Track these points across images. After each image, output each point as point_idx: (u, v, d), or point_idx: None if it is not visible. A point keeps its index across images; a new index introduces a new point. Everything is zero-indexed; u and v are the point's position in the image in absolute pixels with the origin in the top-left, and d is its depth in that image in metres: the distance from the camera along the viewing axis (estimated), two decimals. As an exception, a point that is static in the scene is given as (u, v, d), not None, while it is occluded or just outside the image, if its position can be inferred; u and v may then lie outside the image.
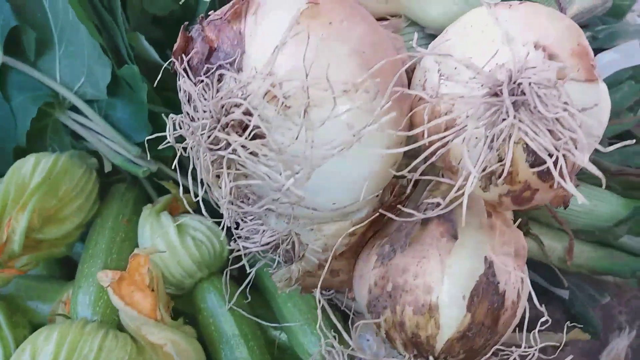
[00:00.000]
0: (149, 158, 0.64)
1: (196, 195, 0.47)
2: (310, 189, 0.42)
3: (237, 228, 0.57)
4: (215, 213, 0.70)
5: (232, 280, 0.66)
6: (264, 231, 0.55)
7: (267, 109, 0.40)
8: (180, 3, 0.71)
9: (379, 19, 0.52)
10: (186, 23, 0.47)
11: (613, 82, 0.70)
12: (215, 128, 0.42)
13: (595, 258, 0.65)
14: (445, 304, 0.42)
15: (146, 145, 0.70)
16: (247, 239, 0.57)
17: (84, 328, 0.55)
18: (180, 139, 0.46)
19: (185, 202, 0.51)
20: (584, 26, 0.80)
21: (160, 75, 0.51)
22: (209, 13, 0.48)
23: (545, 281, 0.70)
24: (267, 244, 0.55)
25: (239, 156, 0.40)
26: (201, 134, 0.42)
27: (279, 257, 0.54)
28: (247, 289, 0.64)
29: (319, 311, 0.45)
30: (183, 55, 0.46)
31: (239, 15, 0.43)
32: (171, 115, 0.45)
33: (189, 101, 0.46)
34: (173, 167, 0.49)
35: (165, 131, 0.70)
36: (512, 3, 0.41)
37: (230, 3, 0.45)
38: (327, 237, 0.46)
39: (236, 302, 0.64)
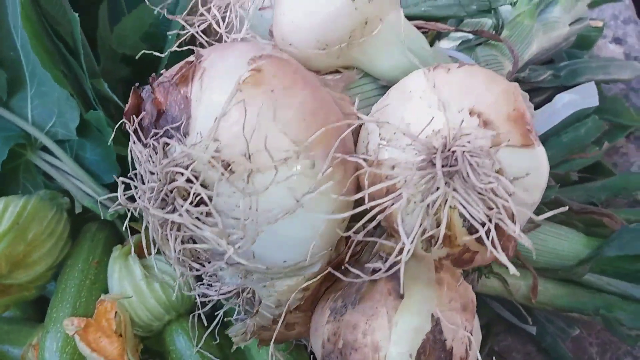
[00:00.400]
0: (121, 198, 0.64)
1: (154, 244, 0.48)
2: (260, 248, 0.43)
3: (198, 278, 0.58)
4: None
5: (201, 321, 0.66)
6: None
7: (212, 174, 0.41)
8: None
9: (332, 72, 0.52)
10: (137, 84, 0.48)
11: (578, 117, 0.71)
12: (162, 192, 0.43)
13: (559, 296, 0.66)
14: (393, 362, 0.42)
15: (118, 185, 0.72)
16: (209, 286, 0.58)
17: (50, 377, 0.56)
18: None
19: (144, 248, 0.51)
20: (548, 62, 0.80)
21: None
22: (161, 72, 0.49)
23: (514, 316, 0.71)
24: (229, 291, 0.56)
25: (184, 221, 0.41)
26: (149, 197, 0.43)
27: (240, 306, 0.55)
28: (216, 330, 0.65)
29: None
30: (134, 116, 0.47)
31: (186, 79, 0.44)
32: (120, 177, 0.46)
33: (138, 161, 0.47)
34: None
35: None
36: (450, 66, 0.42)
37: (179, 66, 0.45)
38: (279, 294, 0.47)
39: (205, 343, 0.65)
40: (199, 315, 0.66)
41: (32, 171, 0.77)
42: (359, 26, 0.48)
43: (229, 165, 0.41)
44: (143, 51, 0.75)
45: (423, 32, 0.57)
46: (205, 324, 0.64)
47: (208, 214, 0.41)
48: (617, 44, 0.97)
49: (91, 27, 0.77)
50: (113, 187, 0.72)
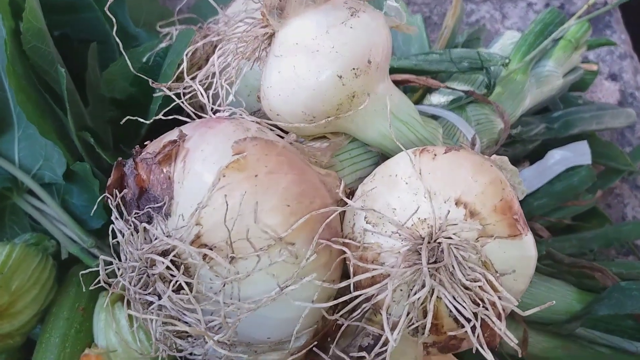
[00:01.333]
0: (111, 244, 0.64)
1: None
2: (243, 327, 0.42)
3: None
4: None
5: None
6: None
7: (193, 259, 0.40)
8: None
9: (321, 137, 0.52)
10: (120, 159, 0.47)
11: (572, 167, 0.71)
12: (143, 272, 0.42)
13: (550, 349, 0.65)
14: None
15: (104, 232, 0.71)
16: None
17: None
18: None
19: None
20: (545, 109, 0.80)
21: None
22: (145, 143, 0.48)
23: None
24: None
25: (166, 305, 0.41)
26: (129, 277, 0.42)
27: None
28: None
29: None
30: (117, 190, 0.46)
31: (169, 158, 0.43)
32: (101, 256, 0.45)
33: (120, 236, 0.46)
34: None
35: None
36: (437, 152, 0.41)
37: (162, 143, 0.45)
38: (263, 368, 0.46)
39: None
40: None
41: (19, 214, 0.76)
42: (346, 100, 0.48)
43: (212, 250, 0.40)
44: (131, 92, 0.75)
45: (413, 86, 0.56)
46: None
47: (188, 298, 0.41)
48: (612, 81, 0.97)
49: (81, 68, 0.76)
50: (99, 233, 0.71)
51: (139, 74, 0.74)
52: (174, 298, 0.40)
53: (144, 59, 0.71)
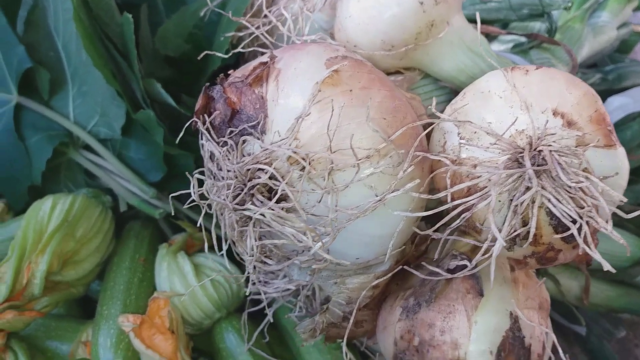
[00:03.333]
0: (170, 199, 0.64)
1: (219, 245, 0.48)
2: (335, 245, 0.43)
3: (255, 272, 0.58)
4: (230, 252, 0.71)
5: (249, 319, 0.66)
6: (284, 276, 0.56)
7: (292, 172, 0.41)
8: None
9: (394, 73, 0.53)
10: (207, 84, 0.48)
11: (623, 121, 0.71)
12: (240, 189, 0.43)
13: (612, 297, 0.66)
14: (473, 359, 0.42)
15: (163, 183, 0.72)
16: (265, 284, 0.58)
17: (109, 374, 0.56)
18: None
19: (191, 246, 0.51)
20: (593, 65, 0.81)
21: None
22: (229, 72, 0.49)
23: (562, 317, 0.71)
24: (287, 289, 0.56)
25: (265, 217, 0.41)
26: (226, 194, 0.43)
27: (300, 303, 0.55)
28: (265, 329, 0.65)
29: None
30: (205, 115, 0.47)
31: (260, 79, 0.44)
32: (195, 174, 0.46)
33: (211, 159, 0.47)
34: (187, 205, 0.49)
35: (178, 171, 0.72)
36: (528, 68, 0.42)
37: (251, 66, 0.45)
38: (350, 290, 0.47)
39: (255, 341, 0.64)
40: (247, 313, 0.66)
41: (74, 170, 0.77)
42: (425, 28, 0.48)
43: (309, 164, 0.41)
44: (185, 50, 0.76)
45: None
46: (246, 324, 0.64)
47: (288, 211, 0.41)
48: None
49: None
50: (158, 186, 0.72)
51: (192, 32, 0.76)
52: (276, 208, 0.40)
53: (201, 14, 0.71)
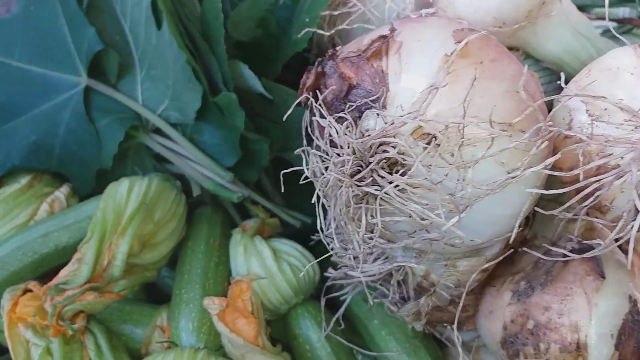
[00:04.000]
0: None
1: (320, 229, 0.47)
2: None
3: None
4: (299, 237, 0.70)
5: (317, 305, 0.66)
6: (375, 260, 0.55)
7: (416, 147, 0.40)
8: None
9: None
10: (319, 59, 0.47)
11: None
12: (358, 165, 0.42)
13: None
14: (594, 342, 0.41)
15: (236, 168, 0.71)
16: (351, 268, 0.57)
17: (196, 356, 0.55)
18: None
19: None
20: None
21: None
22: (337, 49, 0.48)
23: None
24: (374, 274, 0.55)
25: (388, 194, 0.40)
26: (343, 171, 0.42)
27: (392, 289, 0.54)
28: (341, 316, 0.64)
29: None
30: (317, 90, 0.46)
31: (379, 53, 0.43)
32: (311, 150, 0.45)
33: (321, 136, 0.46)
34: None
35: (253, 155, 0.71)
36: (656, 44, 0.41)
37: (368, 40, 0.45)
38: (460, 273, 0.46)
39: (332, 328, 0.64)
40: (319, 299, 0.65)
41: (142, 154, 0.76)
42: (537, 6, 0.48)
43: (435, 139, 0.40)
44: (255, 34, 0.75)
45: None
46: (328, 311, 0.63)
47: (413, 186, 0.40)
48: None
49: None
50: (233, 170, 0.71)
51: (264, 16, 0.75)
52: (402, 183, 0.39)
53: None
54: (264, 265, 0.64)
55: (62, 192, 0.75)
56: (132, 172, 0.76)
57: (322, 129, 0.46)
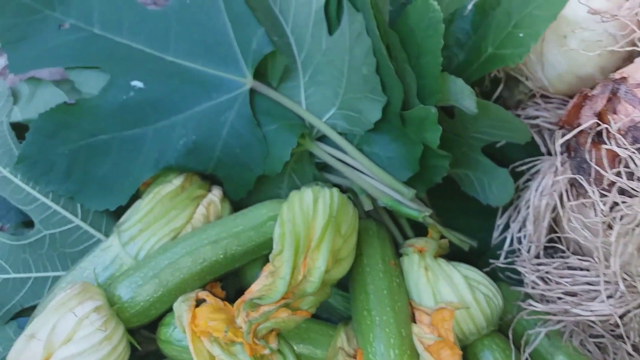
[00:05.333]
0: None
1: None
2: None
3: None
4: (474, 262, 0.67)
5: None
6: (606, 298, 0.52)
7: None
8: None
9: None
10: (604, 83, 0.44)
11: None
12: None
13: None
14: None
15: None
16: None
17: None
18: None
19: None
20: None
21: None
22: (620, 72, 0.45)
23: None
24: (606, 314, 0.52)
25: None
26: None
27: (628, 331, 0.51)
28: (525, 350, 0.61)
29: None
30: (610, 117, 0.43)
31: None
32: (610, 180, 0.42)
33: (611, 165, 0.43)
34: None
35: (428, 171, 0.67)
36: None
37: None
38: None
39: (516, 362, 0.61)
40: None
41: (303, 162, 0.73)
42: None
43: None
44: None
45: None
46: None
47: None
48: None
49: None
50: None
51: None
52: None
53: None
54: (457, 292, 0.60)
55: (215, 196, 0.71)
56: (289, 180, 0.73)
57: (611, 157, 0.43)
